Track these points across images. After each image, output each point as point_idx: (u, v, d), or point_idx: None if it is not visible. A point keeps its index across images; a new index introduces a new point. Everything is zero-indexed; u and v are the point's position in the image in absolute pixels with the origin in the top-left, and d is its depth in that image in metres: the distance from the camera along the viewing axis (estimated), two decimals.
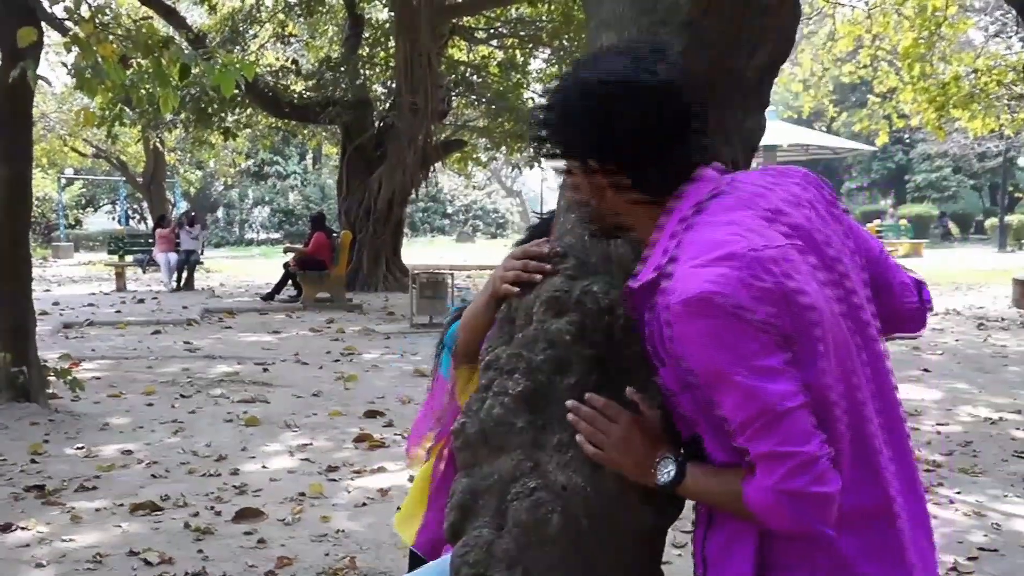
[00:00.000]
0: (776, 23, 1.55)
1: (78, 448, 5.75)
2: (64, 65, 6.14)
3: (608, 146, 1.44)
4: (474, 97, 18.53)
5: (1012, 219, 32.92)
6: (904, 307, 1.64)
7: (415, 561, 2.11)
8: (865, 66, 15.04)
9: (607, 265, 1.59)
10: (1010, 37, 22.26)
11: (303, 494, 4.85)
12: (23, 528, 4.34)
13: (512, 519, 1.51)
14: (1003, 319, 12.84)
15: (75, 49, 5.66)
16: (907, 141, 39.04)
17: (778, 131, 27.10)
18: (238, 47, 15.95)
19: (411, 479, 2.24)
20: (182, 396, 7.34)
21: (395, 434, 6.09)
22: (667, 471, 1.46)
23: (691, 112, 1.43)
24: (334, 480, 5.14)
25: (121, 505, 4.67)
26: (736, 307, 1.29)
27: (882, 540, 1.40)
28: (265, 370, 8.55)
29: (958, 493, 4.94)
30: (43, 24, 6.54)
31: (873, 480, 1.39)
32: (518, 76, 18.03)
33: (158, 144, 25.34)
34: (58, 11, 6.98)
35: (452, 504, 1.60)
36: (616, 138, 1.43)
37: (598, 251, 1.59)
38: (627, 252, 1.57)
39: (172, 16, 15.49)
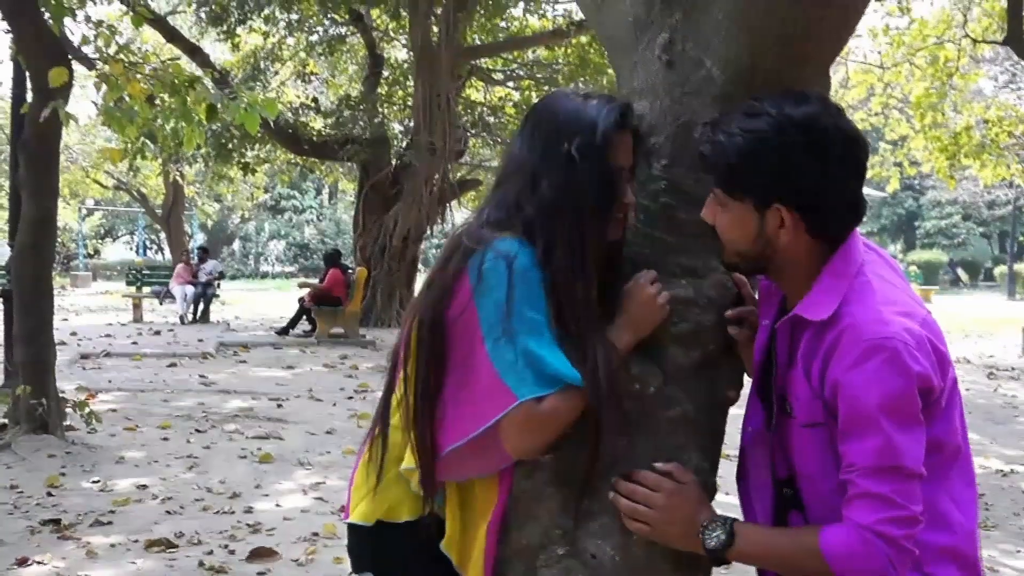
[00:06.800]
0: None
1: (94, 481, 5.80)
2: (95, 104, 6.27)
3: (798, 189, 1.47)
4: (490, 137, 18.71)
5: (1021, 267, 32.93)
6: None
7: None
8: (876, 114, 15.17)
9: None
10: (1019, 88, 22.39)
11: (316, 534, 4.87)
12: (39, 562, 4.36)
13: None
14: (1013, 368, 12.79)
15: (104, 87, 5.81)
16: (917, 188, 39.14)
17: None
18: (259, 84, 16.19)
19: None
20: (197, 431, 7.39)
21: None
22: (715, 535, 1.48)
23: (865, 160, 1.52)
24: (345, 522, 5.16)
25: (136, 541, 4.70)
26: (916, 362, 1.39)
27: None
28: (279, 406, 8.60)
29: None
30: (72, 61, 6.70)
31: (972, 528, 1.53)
32: None
33: (178, 177, 25.67)
34: (87, 49, 7.14)
35: None
36: (807, 181, 1.46)
37: None
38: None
39: (196, 54, 15.76)
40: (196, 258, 18.02)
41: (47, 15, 6.09)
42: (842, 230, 1.52)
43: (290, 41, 17.51)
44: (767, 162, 1.46)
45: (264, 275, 39.95)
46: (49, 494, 5.48)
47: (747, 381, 1.72)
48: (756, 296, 1.70)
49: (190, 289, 17.11)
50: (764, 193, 1.48)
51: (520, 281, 1.52)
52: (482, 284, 1.53)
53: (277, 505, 5.41)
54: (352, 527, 1.84)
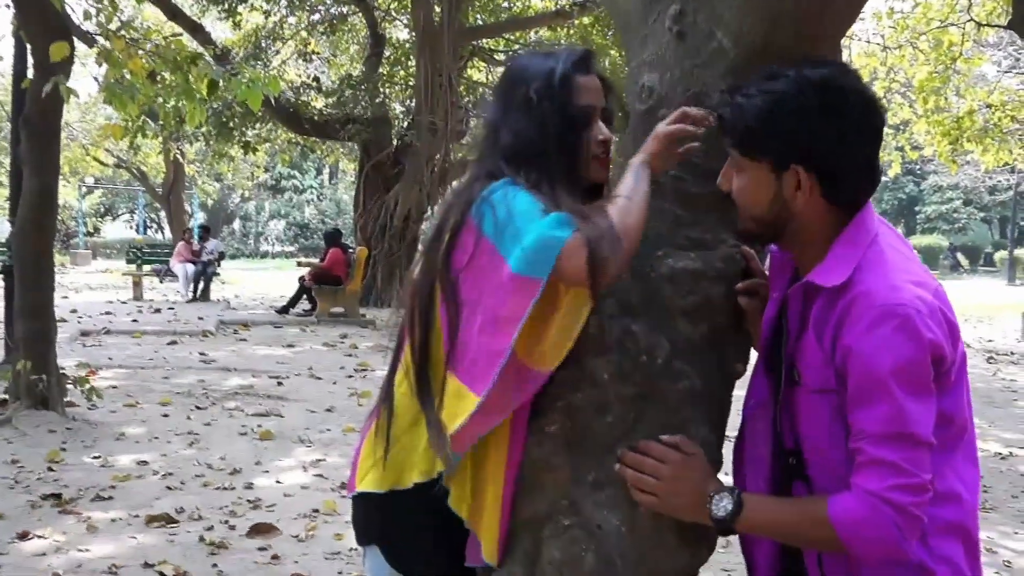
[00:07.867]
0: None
1: (94, 457, 5.81)
2: (95, 80, 6.24)
3: (815, 151, 1.46)
4: None
5: (1022, 252, 32.93)
6: None
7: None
8: (879, 98, 15.09)
9: (648, 305, 1.59)
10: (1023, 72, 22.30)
11: (316, 510, 4.89)
12: (40, 536, 4.38)
13: (546, 557, 1.51)
14: (1012, 353, 12.83)
15: (105, 64, 5.78)
16: (918, 172, 39.10)
17: None
18: (261, 63, 16.11)
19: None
20: (197, 408, 7.40)
21: None
22: (723, 505, 1.48)
23: (882, 127, 1.51)
24: (347, 497, 5.17)
25: (136, 516, 4.72)
26: (928, 330, 1.39)
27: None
28: (279, 384, 8.61)
29: None
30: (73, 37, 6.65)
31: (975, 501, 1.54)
32: None
33: (178, 156, 25.60)
34: (88, 26, 7.10)
35: None
36: (824, 143, 1.46)
37: (639, 291, 1.60)
38: (672, 291, 1.59)
39: (198, 32, 15.67)
40: (198, 237, 17.98)
41: None
42: (857, 196, 1.52)
43: (291, 20, 17.42)
44: (785, 123, 1.45)
45: (264, 255, 39.96)
46: (50, 469, 5.49)
47: (753, 355, 1.72)
48: (767, 271, 1.69)
49: (190, 267, 17.10)
50: (781, 154, 1.48)
51: (509, 198, 1.53)
52: (483, 222, 1.54)
53: (277, 482, 5.43)
54: (359, 498, 1.82)
